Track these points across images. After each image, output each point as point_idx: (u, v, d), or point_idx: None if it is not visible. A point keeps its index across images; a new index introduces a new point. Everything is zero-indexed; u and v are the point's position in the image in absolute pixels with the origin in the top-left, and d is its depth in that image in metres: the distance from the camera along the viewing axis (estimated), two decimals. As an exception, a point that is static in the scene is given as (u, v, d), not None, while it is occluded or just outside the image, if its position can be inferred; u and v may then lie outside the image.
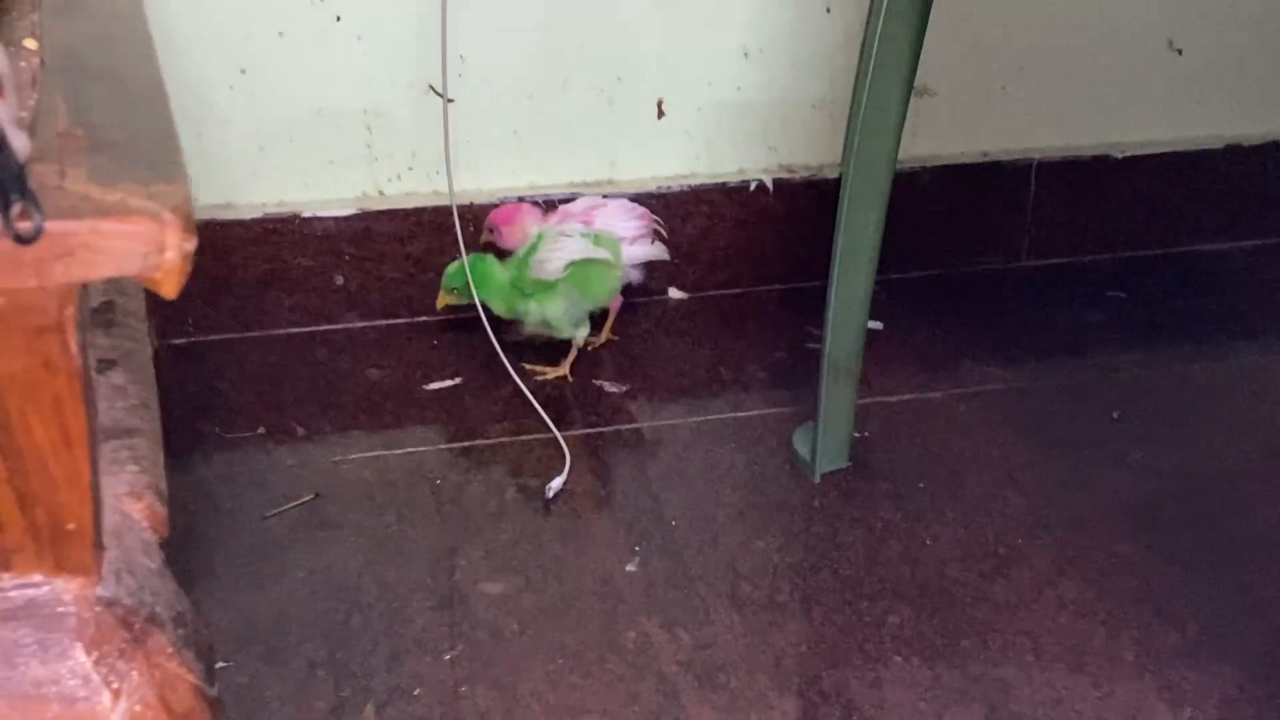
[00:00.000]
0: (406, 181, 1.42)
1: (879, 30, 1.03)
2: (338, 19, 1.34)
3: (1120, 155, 1.60)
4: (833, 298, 1.13)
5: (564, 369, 1.32)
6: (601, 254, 1.31)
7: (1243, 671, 0.96)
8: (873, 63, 1.04)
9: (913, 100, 1.51)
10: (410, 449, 1.21)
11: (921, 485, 1.17)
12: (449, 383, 1.32)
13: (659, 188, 1.46)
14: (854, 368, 1.16)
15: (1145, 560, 1.07)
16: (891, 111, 1.08)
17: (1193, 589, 1.04)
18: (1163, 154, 1.62)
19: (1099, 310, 1.50)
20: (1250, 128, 1.64)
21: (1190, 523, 1.12)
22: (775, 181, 1.49)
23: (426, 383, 1.32)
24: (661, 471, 1.18)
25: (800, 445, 1.20)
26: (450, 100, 1.38)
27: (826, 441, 1.17)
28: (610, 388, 1.32)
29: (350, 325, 1.42)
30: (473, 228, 1.42)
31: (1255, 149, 1.64)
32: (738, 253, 1.51)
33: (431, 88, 1.37)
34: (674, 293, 1.51)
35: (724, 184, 1.48)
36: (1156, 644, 0.99)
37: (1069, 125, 1.59)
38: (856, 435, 1.22)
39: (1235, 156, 1.64)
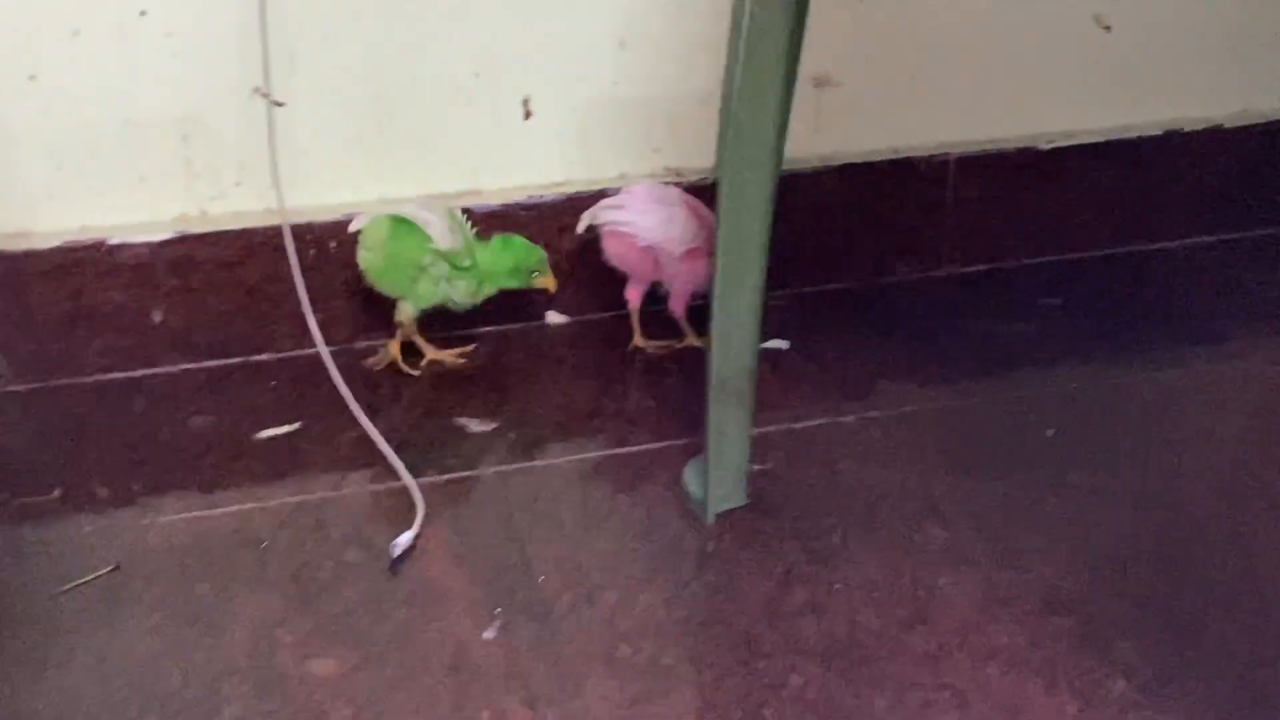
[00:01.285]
0: (233, 199, 1.33)
1: (748, 11, 0.97)
2: (142, 13, 1.25)
3: (1047, 147, 1.55)
4: (717, 308, 1.06)
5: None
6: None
7: (1202, 721, 0.89)
8: (743, 47, 0.98)
9: (813, 91, 1.46)
10: (234, 507, 1.12)
11: (830, 522, 1.09)
12: (285, 429, 1.23)
13: (529, 197, 1.39)
14: (746, 389, 1.08)
15: (1087, 597, 1.01)
16: (770, 103, 1.01)
17: (1143, 629, 0.97)
18: (1094, 144, 1.57)
19: (1030, 320, 1.44)
20: (1191, 110, 1.60)
21: (1138, 552, 1.06)
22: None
23: (258, 430, 1.22)
24: (531, 520, 1.10)
25: (692, 482, 1.12)
26: (279, 104, 1.30)
27: (720, 476, 1.10)
28: (475, 426, 1.24)
29: (172, 368, 1.33)
30: (313, 250, 1.33)
31: (1197, 135, 1.60)
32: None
33: (257, 90, 1.29)
34: (552, 317, 1.44)
35: (604, 191, 1.41)
36: (1102, 694, 0.92)
37: (989, 115, 1.54)
38: (756, 468, 1.15)
39: (1176, 144, 1.59)
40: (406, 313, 1.30)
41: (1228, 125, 1.60)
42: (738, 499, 1.12)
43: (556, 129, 1.40)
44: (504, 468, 1.17)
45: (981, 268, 1.54)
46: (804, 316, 1.44)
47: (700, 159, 1.45)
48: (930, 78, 1.51)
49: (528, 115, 1.39)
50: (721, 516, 1.10)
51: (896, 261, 1.53)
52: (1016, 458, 1.19)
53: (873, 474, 1.16)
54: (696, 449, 1.17)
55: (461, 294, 1.31)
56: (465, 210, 1.34)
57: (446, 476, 1.16)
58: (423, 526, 1.09)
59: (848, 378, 1.32)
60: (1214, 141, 1.60)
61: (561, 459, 1.19)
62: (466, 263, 1.29)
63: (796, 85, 1.03)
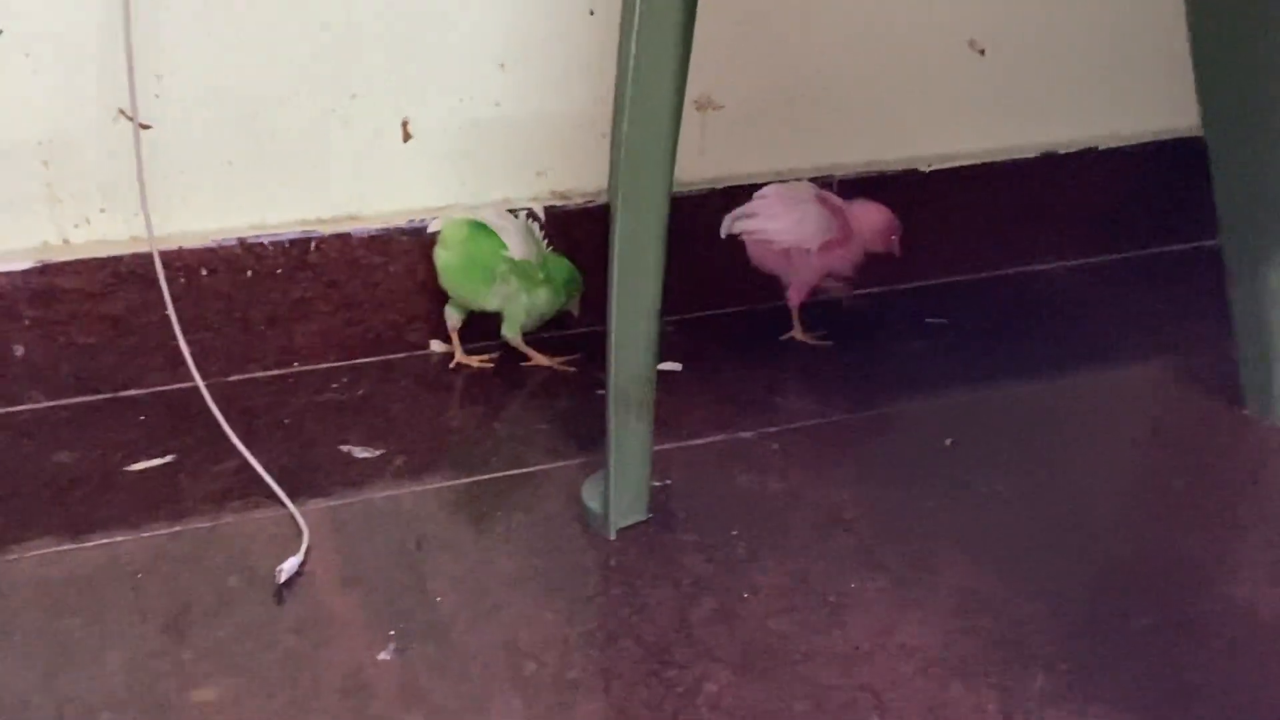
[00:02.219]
0: (98, 226, 1.27)
1: (635, 34, 0.96)
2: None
3: (927, 169, 1.56)
4: (614, 322, 1.03)
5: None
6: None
7: (1127, 711, 0.88)
8: (632, 73, 0.97)
9: (697, 114, 1.45)
10: (106, 539, 1.05)
11: (735, 533, 1.07)
12: (158, 461, 1.17)
13: (411, 221, 1.35)
14: (646, 398, 1.06)
15: (999, 596, 0.99)
16: (661, 128, 1.01)
17: (1057, 624, 0.96)
18: (974, 166, 1.59)
19: (919, 338, 1.45)
20: (1065, 133, 1.63)
21: (1046, 550, 1.05)
22: (547, 210, 1.40)
23: (130, 464, 1.16)
24: (425, 542, 1.06)
25: (591, 498, 1.09)
26: (145, 126, 1.25)
27: (621, 491, 1.07)
28: (360, 453, 1.19)
29: (35, 405, 1.26)
30: (184, 279, 1.28)
31: (1072, 157, 1.63)
32: (509, 296, 1.40)
33: (122, 112, 1.24)
34: (436, 345, 1.40)
35: (489, 215, 1.37)
36: (1022, 690, 0.90)
37: (870, 138, 1.55)
38: (657, 484, 1.12)
39: (1052, 166, 1.62)
40: (453, 319, 1.33)
41: (1101, 147, 1.63)
42: (639, 513, 1.09)
43: (438, 151, 1.37)
44: (393, 492, 1.13)
45: (870, 291, 1.54)
46: (696, 340, 1.42)
47: (587, 182, 1.43)
48: (811, 100, 1.51)
49: (407, 137, 1.36)
50: (624, 531, 1.07)
51: (780, 284, 1.51)
52: (917, 467, 1.18)
53: (774, 486, 1.14)
54: (594, 467, 1.14)
55: (546, 304, 1.33)
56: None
57: (332, 502, 1.11)
58: (309, 552, 1.04)
59: (743, 397, 1.30)
60: (1088, 163, 1.63)
61: (453, 481, 1.15)
62: (541, 274, 1.30)
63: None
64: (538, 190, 1.42)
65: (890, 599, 0.99)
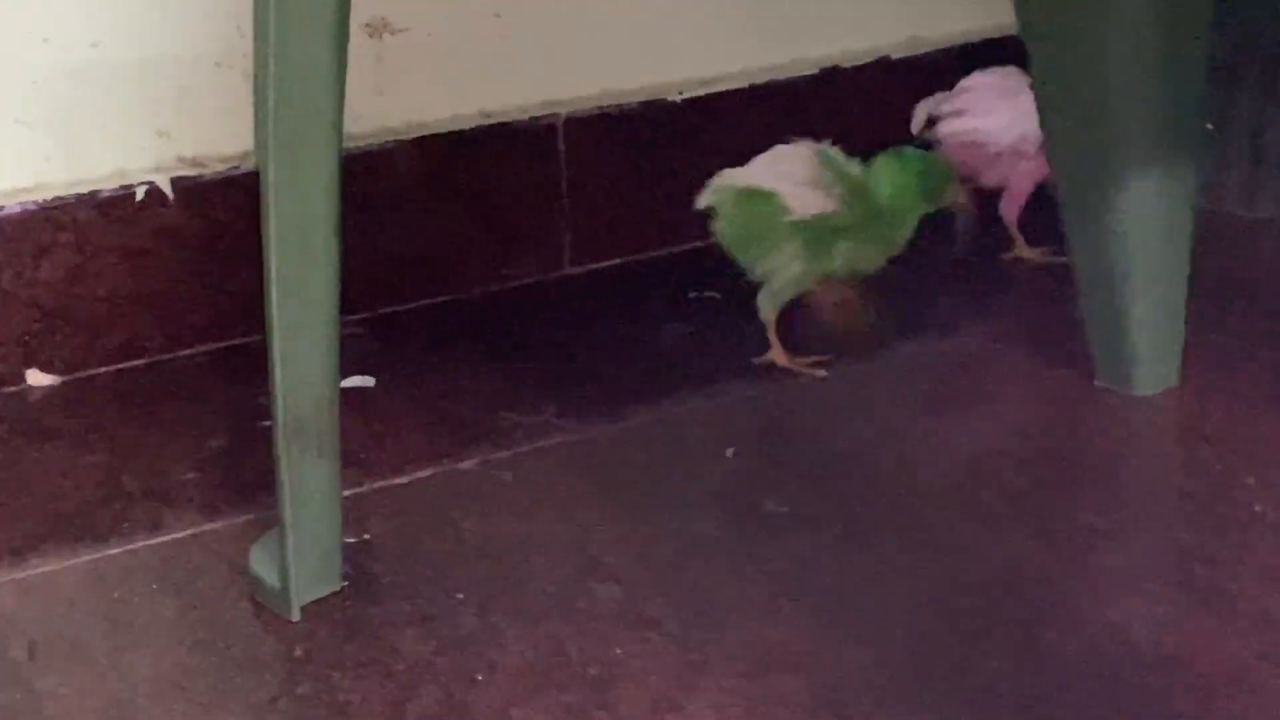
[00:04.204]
0: None
1: None
2: None
3: (679, 97, 1.59)
4: (277, 329, 1.02)
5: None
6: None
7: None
8: None
9: (370, 42, 1.45)
10: None
11: (461, 597, 1.07)
12: None
13: (-14, 210, 1.31)
14: (329, 427, 1.05)
15: (811, 649, 1.02)
16: (322, 62, 1.01)
17: (884, 676, 0.99)
18: (738, 90, 1.64)
19: (684, 318, 1.48)
20: (850, 42, 1.67)
21: (863, 583, 1.08)
22: (176, 183, 1.40)
23: None
24: (36, 648, 1.03)
25: (263, 567, 1.09)
26: None
27: (303, 554, 1.06)
28: (-71, 532, 1.15)
29: None
30: None
31: (860, 70, 1.67)
32: (131, 303, 1.39)
33: None
34: (34, 377, 1.38)
35: (94, 195, 1.37)
36: (848, 764, 0.92)
37: (604, 63, 1.57)
38: (352, 540, 1.12)
39: (835, 83, 1.67)
40: (766, 310, 1.35)
41: (895, 55, 1.69)
42: (330, 582, 1.08)
43: (17, 112, 1.35)
44: (-19, 583, 1.10)
45: (616, 261, 1.56)
46: (390, 344, 1.43)
47: (223, 143, 1.43)
48: (526, 16, 1.52)
49: (-29, 94, 1.32)
50: (311, 608, 1.06)
51: (506, 262, 1.53)
52: (692, 489, 1.21)
53: (510, 530, 1.15)
54: (265, 525, 1.13)
55: (873, 258, 1.36)
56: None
57: (-104, 606, 1.07)
58: None
59: (460, 414, 1.31)
60: (880, 77, 1.68)
61: (70, 561, 1.13)
62: (845, 219, 1.32)
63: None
64: (161, 158, 1.40)
65: (670, 665, 1.00)
